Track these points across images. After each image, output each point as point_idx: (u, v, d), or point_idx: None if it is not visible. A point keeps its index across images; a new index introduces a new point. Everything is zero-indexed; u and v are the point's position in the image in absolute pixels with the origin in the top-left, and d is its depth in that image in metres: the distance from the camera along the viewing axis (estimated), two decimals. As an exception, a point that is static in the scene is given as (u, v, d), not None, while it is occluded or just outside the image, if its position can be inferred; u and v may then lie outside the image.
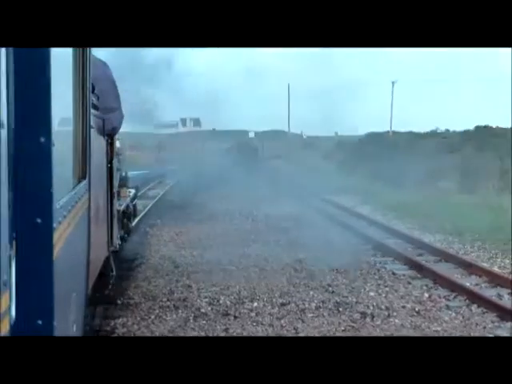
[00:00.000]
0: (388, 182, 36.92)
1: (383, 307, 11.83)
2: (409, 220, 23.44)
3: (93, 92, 7.93)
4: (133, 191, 16.86)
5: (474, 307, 11.82)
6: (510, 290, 12.86)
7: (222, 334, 10.34)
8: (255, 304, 12.02)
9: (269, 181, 45.00)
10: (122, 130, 11.87)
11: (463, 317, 11.28)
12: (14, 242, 3.36)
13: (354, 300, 12.28)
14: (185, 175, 51.57)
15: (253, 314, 11.42)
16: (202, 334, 10.39)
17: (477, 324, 10.88)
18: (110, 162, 10.20)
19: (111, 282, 10.34)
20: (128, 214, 15.06)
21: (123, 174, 15.60)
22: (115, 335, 10.22)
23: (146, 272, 14.55)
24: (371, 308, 11.78)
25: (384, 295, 12.77)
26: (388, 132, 71.92)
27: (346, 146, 66.77)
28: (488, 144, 39.49)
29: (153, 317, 11.27)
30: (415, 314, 11.48)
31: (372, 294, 12.87)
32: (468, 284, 13.45)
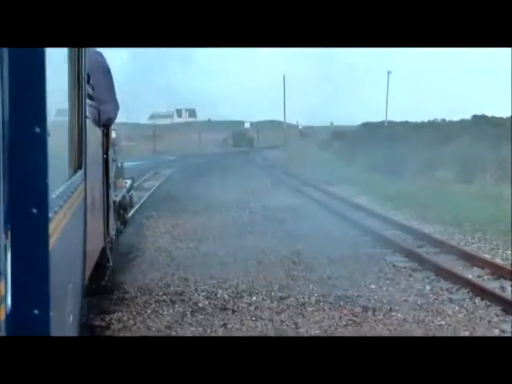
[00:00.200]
0: (385, 171, 36.67)
1: (385, 301, 11.57)
2: (407, 210, 23.16)
3: (88, 82, 7.85)
4: (129, 182, 16.85)
5: (477, 300, 11.56)
6: (513, 283, 12.62)
7: (221, 330, 10.08)
8: (254, 298, 11.75)
9: (265, 171, 44.79)
10: (116, 120, 11.64)
11: (467, 310, 11.02)
12: (9, 232, 3.38)
13: (355, 293, 12.01)
14: (180, 166, 51.37)
15: (252, 309, 11.15)
16: (200, 329, 10.12)
17: (481, 318, 10.62)
18: (105, 152, 10.07)
19: (108, 273, 10.24)
20: (124, 205, 14.98)
21: (119, 164, 15.60)
22: (110, 331, 9.95)
23: (141, 265, 14.26)
24: (372, 302, 11.51)
25: (385, 288, 12.50)
26: (383, 122, 71.74)
27: (342, 135, 66.64)
28: (485, 133, 39.20)
29: (149, 311, 10.99)
30: (418, 307, 11.21)
31: (373, 286, 12.61)
32: (470, 276, 13.19)
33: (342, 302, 11.45)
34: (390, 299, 11.69)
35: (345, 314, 10.76)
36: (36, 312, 3.50)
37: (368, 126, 63.51)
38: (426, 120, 55.84)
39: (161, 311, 11.00)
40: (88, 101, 7.36)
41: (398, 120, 66.38)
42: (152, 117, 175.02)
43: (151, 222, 20.89)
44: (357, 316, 10.68)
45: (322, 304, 11.37)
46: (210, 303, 11.45)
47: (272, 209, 23.77)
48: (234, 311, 11.00)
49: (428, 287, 12.55)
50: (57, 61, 4.34)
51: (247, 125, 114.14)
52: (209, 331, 10.02)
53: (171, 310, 11.04)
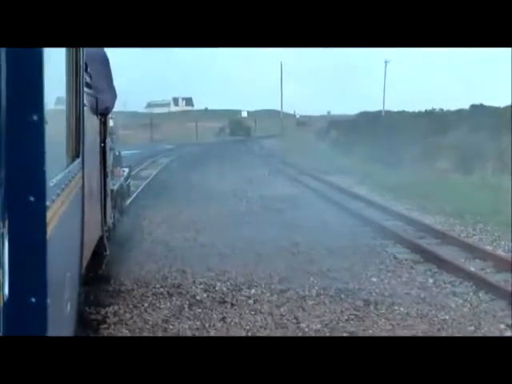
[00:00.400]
0: (383, 161, 36.42)
1: (387, 294, 11.33)
2: (407, 201, 22.89)
3: (86, 71, 7.85)
4: (126, 170, 16.81)
5: (481, 294, 11.32)
6: (517, 276, 12.37)
7: (219, 324, 9.83)
8: (253, 291, 11.48)
9: (262, 160, 44.52)
10: (114, 109, 11.43)
11: (471, 304, 10.77)
12: (6, 221, 3.40)
13: (356, 286, 11.76)
14: (178, 155, 51.08)
15: (251, 302, 10.89)
16: (198, 323, 9.87)
17: (486, 312, 10.37)
18: (103, 141, 10.09)
19: (105, 262, 10.19)
20: (122, 194, 14.94)
21: (117, 153, 15.61)
22: (106, 325, 9.70)
23: (138, 256, 13.98)
24: (374, 295, 11.26)
25: (387, 281, 12.26)
26: (381, 112, 71.58)
27: (339, 124, 66.46)
28: (484, 124, 38.92)
29: (146, 304, 10.73)
30: (421, 301, 10.97)
31: (374, 279, 12.36)
32: (473, 269, 12.95)
33: (343, 295, 11.20)
34: (391, 292, 11.45)
35: (346, 308, 10.50)
36: (33, 300, 3.50)
37: (365, 116, 63.29)
38: (423, 110, 55.50)
39: (158, 304, 10.75)
40: (86, 89, 7.34)
41: (395, 110, 66.24)
42: (149, 105, 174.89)
43: (148, 211, 20.59)
44: (359, 310, 10.43)
45: (322, 297, 11.12)
46: (208, 296, 11.20)
47: (270, 199, 23.51)
48: (232, 305, 10.75)
49: (430, 280, 12.31)
50: (55, 49, 4.31)
51: (244, 114, 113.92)
52: (207, 325, 9.77)
53: (168, 304, 10.78)
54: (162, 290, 11.54)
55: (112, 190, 12.24)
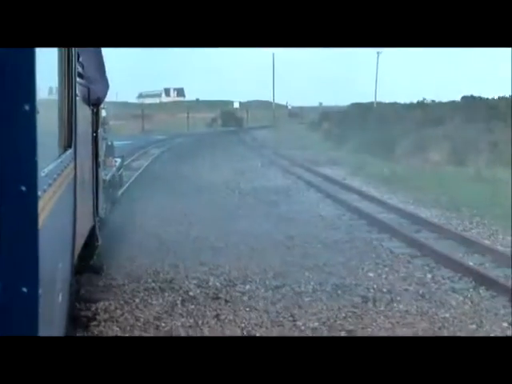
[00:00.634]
0: (376, 153, 36.19)
1: (385, 290, 11.05)
2: (402, 193, 22.60)
3: (78, 60, 7.80)
4: (119, 161, 16.76)
5: (481, 290, 11.04)
6: (516, 271, 12.09)
7: (213, 321, 9.52)
8: (247, 286, 11.18)
9: (255, 152, 44.20)
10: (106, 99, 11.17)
11: (472, 301, 10.49)
12: None
13: (353, 282, 11.47)
14: (169, 146, 50.72)
15: (245, 298, 10.59)
16: (191, 320, 9.56)
17: (487, 310, 10.09)
18: (95, 131, 10.06)
19: (96, 253, 10.12)
20: (114, 184, 14.87)
21: (109, 143, 15.62)
22: (97, 322, 9.39)
23: (129, 250, 13.65)
24: (372, 291, 10.98)
25: (384, 276, 11.97)
26: (372, 103, 71.38)
27: (331, 115, 66.25)
28: (476, 115, 38.67)
29: (137, 300, 10.43)
30: (420, 297, 10.69)
31: (371, 274, 12.08)
32: (472, 264, 12.68)
33: (340, 291, 10.92)
34: (390, 288, 11.17)
35: (344, 305, 10.21)
36: (25, 290, 3.49)
37: (357, 107, 63.05)
38: (414, 101, 55.17)
39: (150, 300, 10.45)
40: (78, 79, 7.35)
41: (387, 101, 66.03)
42: (140, 96, 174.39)
43: (140, 203, 20.24)
44: (357, 307, 10.14)
45: (319, 293, 10.83)
46: (201, 292, 10.90)
47: (263, 190, 23.24)
48: (226, 301, 10.44)
49: (429, 275, 12.02)
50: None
51: (236, 104, 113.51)
52: (200, 323, 9.47)
53: (161, 300, 10.48)
54: (153, 285, 11.24)
55: (104, 180, 12.18)
